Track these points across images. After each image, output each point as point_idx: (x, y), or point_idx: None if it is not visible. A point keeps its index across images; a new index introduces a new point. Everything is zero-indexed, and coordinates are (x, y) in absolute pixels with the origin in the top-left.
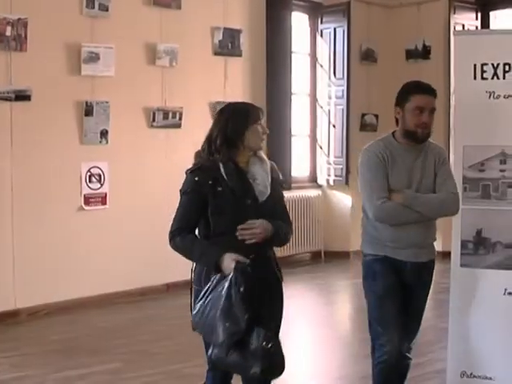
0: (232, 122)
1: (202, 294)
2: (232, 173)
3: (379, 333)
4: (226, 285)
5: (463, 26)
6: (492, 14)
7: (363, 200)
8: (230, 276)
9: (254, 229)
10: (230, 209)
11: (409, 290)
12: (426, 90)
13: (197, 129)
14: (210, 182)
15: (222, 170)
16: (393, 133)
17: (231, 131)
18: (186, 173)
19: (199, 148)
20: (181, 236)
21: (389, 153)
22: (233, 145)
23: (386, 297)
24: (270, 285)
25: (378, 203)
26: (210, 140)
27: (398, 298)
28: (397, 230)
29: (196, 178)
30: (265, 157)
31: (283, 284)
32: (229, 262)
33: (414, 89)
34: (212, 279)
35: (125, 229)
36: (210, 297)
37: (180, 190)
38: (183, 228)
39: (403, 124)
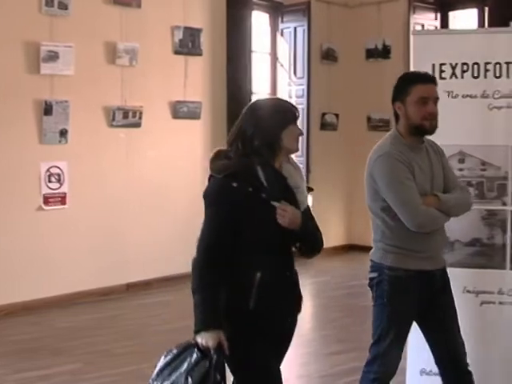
0: (270, 120)
1: (158, 370)
2: (273, 179)
3: (387, 353)
4: (191, 364)
5: (423, 25)
6: (451, 14)
7: (398, 209)
8: (202, 357)
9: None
10: (272, 221)
11: (436, 302)
12: (427, 78)
13: (157, 128)
14: (250, 190)
15: (261, 175)
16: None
17: (270, 130)
18: (212, 177)
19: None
20: (211, 269)
21: (406, 157)
22: (271, 146)
23: (410, 318)
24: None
25: (420, 211)
26: (243, 138)
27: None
28: (428, 238)
29: (234, 184)
30: (296, 162)
31: None
32: (214, 338)
33: (414, 79)
34: (175, 351)
35: (85, 229)
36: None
37: (206, 198)
38: (216, 248)
39: (407, 119)
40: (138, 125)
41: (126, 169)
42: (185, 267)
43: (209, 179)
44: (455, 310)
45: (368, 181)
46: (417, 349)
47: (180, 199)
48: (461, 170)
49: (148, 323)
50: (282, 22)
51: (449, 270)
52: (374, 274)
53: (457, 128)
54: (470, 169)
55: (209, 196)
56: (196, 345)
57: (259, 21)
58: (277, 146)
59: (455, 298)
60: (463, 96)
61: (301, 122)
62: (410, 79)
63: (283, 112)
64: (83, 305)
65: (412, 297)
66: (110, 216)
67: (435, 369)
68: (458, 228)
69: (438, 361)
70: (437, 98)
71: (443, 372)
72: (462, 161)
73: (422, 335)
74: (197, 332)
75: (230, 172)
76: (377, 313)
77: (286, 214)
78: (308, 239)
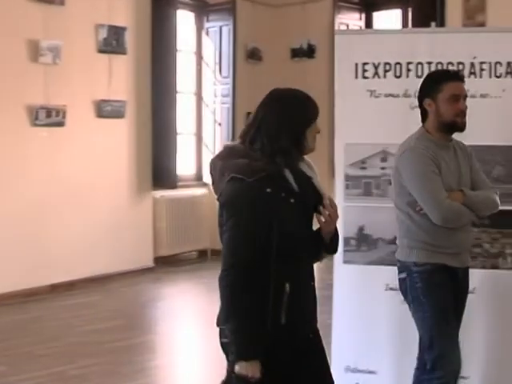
0: (297, 117)
1: None
2: (304, 182)
3: (446, 350)
4: None
5: (347, 25)
6: (375, 14)
7: (423, 202)
8: None
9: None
10: (302, 228)
11: (457, 300)
12: (458, 76)
13: (80, 127)
14: (283, 195)
15: (291, 178)
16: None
17: (296, 127)
18: (235, 179)
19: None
20: (250, 288)
21: (432, 152)
22: (298, 145)
23: (449, 311)
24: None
25: (445, 204)
26: (269, 136)
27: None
28: (454, 234)
29: (268, 190)
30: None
31: None
32: (255, 368)
33: (445, 77)
34: None
35: (8, 230)
36: None
37: (234, 205)
38: (253, 264)
39: (438, 116)
40: (61, 124)
41: (49, 168)
42: (109, 267)
43: (228, 181)
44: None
45: (394, 176)
46: (341, 346)
47: (104, 199)
48: (383, 168)
49: (72, 324)
50: (208, 21)
51: (371, 268)
52: (403, 275)
53: (379, 127)
54: (392, 167)
55: (238, 203)
56: (233, 372)
57: (184, 20)
58: (302, 146)
59: (378, 296)
60: (385, 95)
61: (226, 122)
62: (442, 76)
63: (310, 107)
64: (7, 306)
65: (446, 287)
66: (33, 216)
67: (360, 366)
68: (380, 226)
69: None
70: (466, 96)
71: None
72: (384, 159)
73: (345, 332)
74: (236, 361)
75: (261, 176)
76: (418, 317)
77: (331, 220)
78: (336, 238)
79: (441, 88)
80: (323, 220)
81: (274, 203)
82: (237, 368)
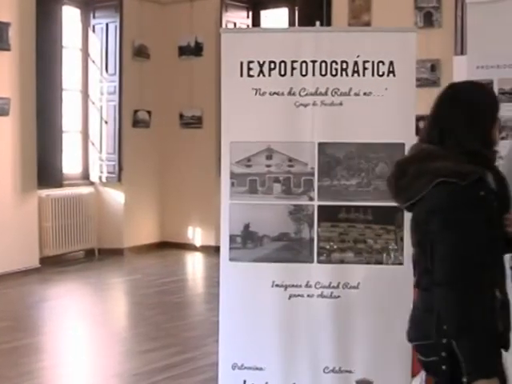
0: (483, 111)
1: None
2: (501, 183)
3: None
4: None
5: (235, 24)
6: (263, 13)
7: None
8: None
9: None
10: (501, 232)
11: None
12: None
13: None
14: (491, 197)
15: (492, 181)
16: None
17: (486, 126)
18: (447, 184)
19: None
20: (487, 297)
21: None
22: (489, 142)
23: None
24: None
25: None
26: (458, 136)
27: None
28: None
29: (482, 193)
30: None
31: None
32: None
33: None
34: None
35: None
36: None
37: (447, 211)
38: (477, 271)
39: None
40: None
41: None
42: (6, 266)
43: (436, 185)
44: None
45: None
46: (228, 344)
47: None
48: (268, 166)
49: None
50: (94, 17)
51: (257, 265)
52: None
53: (264, 125)
54: (277, 165)
55: (456, 208)
56: None
57: (70, 16)
58: (492, 142)
59: (264, 293)
60: (270, 93)
61: (112, 119)
62: None
63: (493, 100)
64: None
65: None
66: None
67: (247, 363)
68: (265, 223)
69: None
70: None
71: None
72: (269, 157)
73: (232, 330)
74: (473, 379)
75: (476, 178)
76: None
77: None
78: None
79: None
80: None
81: (487, 207)
82: None
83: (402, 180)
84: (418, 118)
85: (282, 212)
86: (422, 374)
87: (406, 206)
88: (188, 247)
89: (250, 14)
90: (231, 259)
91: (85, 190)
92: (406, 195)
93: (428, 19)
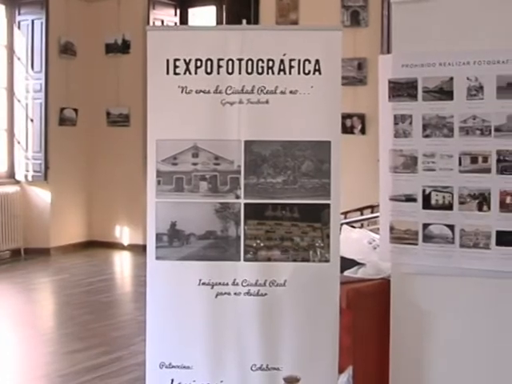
0: None
1: None
2: None
3: None
4: None
5: (162, 21)
6: (191, 10)
7: None
8: None
9: None
10: None
11: None
12: None
13: None
14: None
15: None
16: None
17: None
18: None
19: None
20: None
21: None
22: None
23: None
24: None
25: None
26: None
27: None
28: None
29: None
30: None
31: None
32: None
33: None
34: None
35: None
36: None
37: None
38: None
39: None
40: None
41: None
42: None
43: None
44: None
45: None
46: (155, 342)
47: None
48: (194, 164)
49: None
50: (19, 14)
51: (184, 263)
52: None
53: (191, 123)
54: (203, 163)
55: None
56: None
57: None
58: None
59: (191, 291)
60: (197, 91)
61: (39, 118)
62: None
63: None
64: None
65: None
66: None
67: (174, 361)
68: (192, 221)
69: None
70: None
71: None
72: (195, 155)
73: (159, 328)
74: None
75: None
76: None
77: None
78: None
79: None
80: None
81: None
82: None
83: None
84: (344, 116)
85: (208, 210)
86: (350, 370)
87: None
88: (116, 246)
89: (178, 11)
90: (158, 258)
91: (10, 188)
92: None
93: (355, 18)
